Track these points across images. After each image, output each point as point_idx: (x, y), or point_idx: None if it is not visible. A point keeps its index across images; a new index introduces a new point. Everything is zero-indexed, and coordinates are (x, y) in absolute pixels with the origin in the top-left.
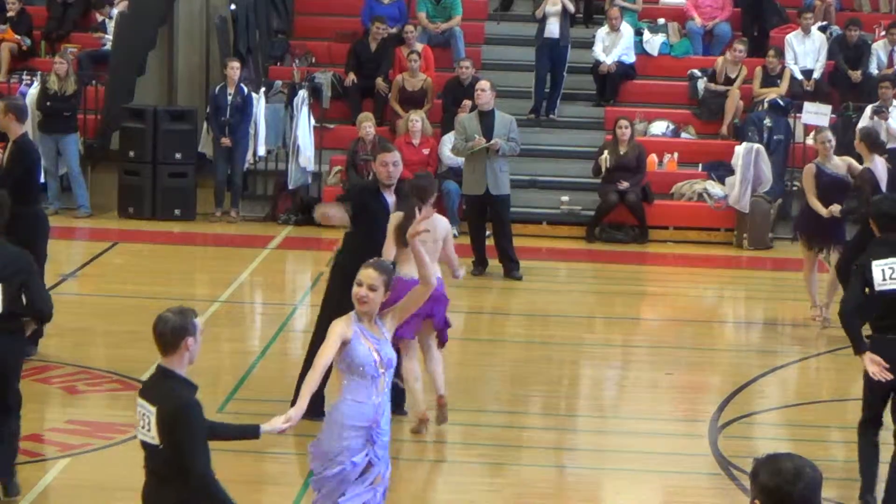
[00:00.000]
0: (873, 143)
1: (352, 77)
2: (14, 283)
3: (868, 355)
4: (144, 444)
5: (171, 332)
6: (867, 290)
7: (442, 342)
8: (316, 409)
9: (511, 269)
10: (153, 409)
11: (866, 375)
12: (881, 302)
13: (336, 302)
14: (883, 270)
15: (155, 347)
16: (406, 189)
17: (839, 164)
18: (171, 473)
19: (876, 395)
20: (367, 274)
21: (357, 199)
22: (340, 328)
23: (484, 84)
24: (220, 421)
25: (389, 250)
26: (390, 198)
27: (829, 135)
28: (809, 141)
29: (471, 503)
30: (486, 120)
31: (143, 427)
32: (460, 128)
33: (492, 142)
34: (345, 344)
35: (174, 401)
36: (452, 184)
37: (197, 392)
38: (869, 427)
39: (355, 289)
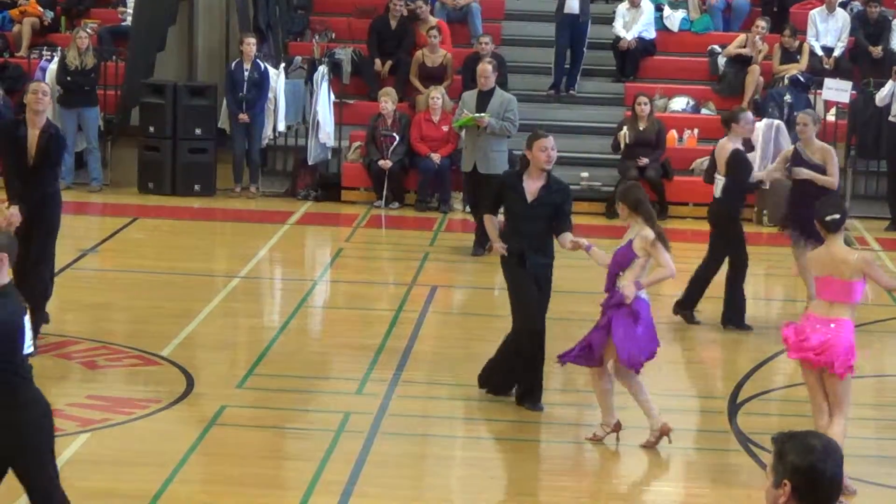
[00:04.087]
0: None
1: (379, 63)
2: None
3: None
4: None
5: None
6: None
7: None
8: None
9: (478, 244)
10: None
11: None
12: None
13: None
14: None
15: (175, 322)
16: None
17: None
18: None
19: None
20: None
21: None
22: None
23: (488, 69)
24: None
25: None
26: (536, 183)
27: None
28: (830, 117)
29: (490, 479)
30: (485, 98)
31: None
32: (461, 104)
33: (479, 115)
34: None
35: None
36: None
37: None
38: None
39: None
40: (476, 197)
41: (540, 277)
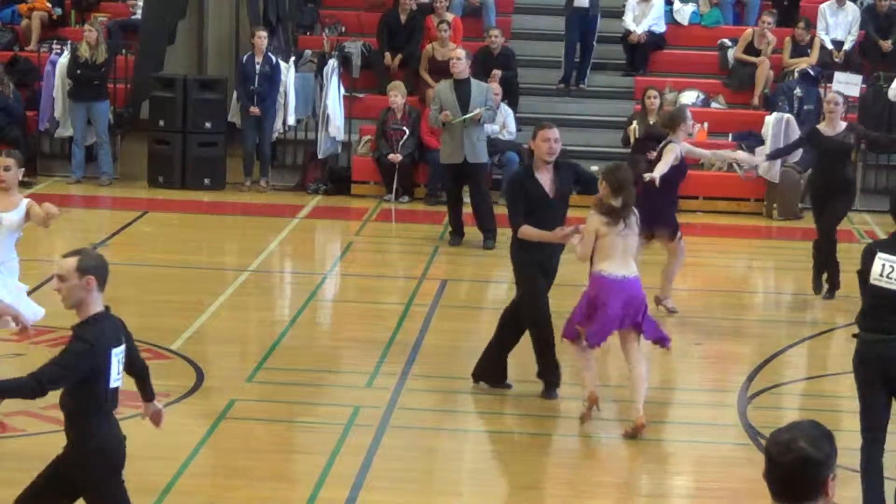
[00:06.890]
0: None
1: (389, 57)
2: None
3: None
4: None
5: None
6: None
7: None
8: None
9: (486, 237)
10: None
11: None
12: (869, 296)
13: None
14: (884, 265)
15: (185, 316)
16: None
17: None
18: None
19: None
20: None
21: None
22: None
23: (459, 53)
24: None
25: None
26: (548, 175)
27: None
28: None
29: (499, 472)
30: (462, 89)
31: None
32: (436, 97)
33: (475, 112)
34: None
35: None
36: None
37: None
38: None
39: None
40: (459, 189)
41: (553, 268)
